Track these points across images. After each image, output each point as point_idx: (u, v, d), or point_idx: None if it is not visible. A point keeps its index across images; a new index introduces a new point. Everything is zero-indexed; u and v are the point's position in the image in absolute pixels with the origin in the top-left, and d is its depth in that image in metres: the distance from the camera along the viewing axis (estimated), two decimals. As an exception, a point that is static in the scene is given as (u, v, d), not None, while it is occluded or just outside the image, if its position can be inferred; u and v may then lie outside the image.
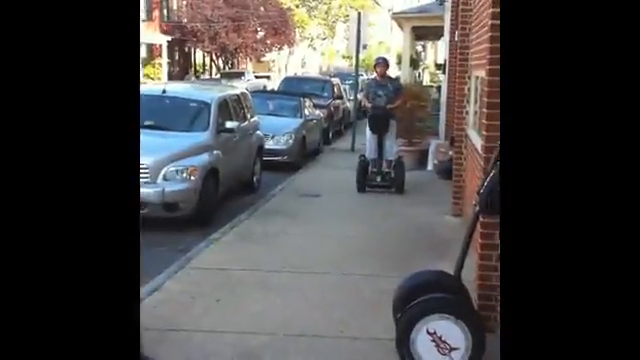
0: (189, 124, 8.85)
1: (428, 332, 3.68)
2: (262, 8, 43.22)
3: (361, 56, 16.32)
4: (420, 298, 3.81)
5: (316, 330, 4.61)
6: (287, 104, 14.68)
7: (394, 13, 24.34)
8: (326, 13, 54.16)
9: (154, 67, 36.82)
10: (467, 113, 7.73)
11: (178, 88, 11.27)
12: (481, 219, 4.28)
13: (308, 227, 7.71)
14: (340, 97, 20.39)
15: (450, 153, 9.95)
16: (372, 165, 10.13)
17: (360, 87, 17.37)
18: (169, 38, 39.26)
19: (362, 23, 15.26)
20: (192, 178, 7.73)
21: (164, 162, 7.61)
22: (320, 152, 15.18)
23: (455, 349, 3.67)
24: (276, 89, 21.48)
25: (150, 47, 37.99)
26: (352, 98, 18.60)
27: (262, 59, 49.81)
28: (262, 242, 6.98)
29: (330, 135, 17.46)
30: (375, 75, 10.67)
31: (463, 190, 7.98)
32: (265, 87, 30.56)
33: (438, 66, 23.39)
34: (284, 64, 55.70)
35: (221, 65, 45.49)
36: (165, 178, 7.58)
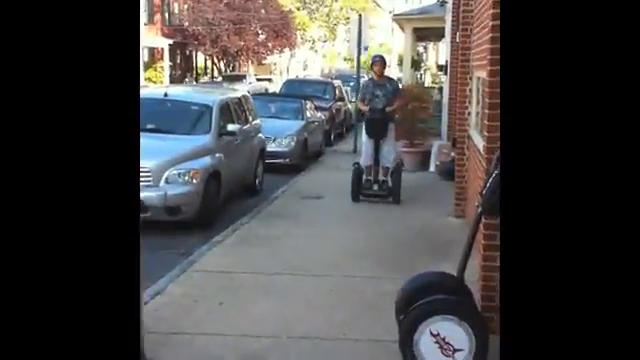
0: (191, 127, 8.86)
1: (431, 334, 3.67)
2: (263, 11, 43.29)
3: (362, 58, 16.32)
4: (423, 300, 3.79)
5: (318, 332, 4.60)
6: (289, 106, 14.69)
7: (395, 15, 24.33)
8: (327, 16, 54.22)
9: (156, 71, 36.88)
10: (469, 114, 7.72)
11: (180, 91, 11.28)
12: (484, 220, 4.28)
13: (310, 229, 7.70)
14: (342, 99, 20.39)
15: (452, 154, 9.94)
16: (367, 173, 9.47)
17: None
18: (171, 41, 39.33)
19: (363, 25, 15.27)
20: (194, 181, 7.73)
21: (166, 165, 7.62)
22: (322, 154, 15.18)
23: (459, 350, 3.66)
24: (278, 92, 21.49)
25: (152, 51, 38.06)
26: (353, 100, 18.58)
27: (263, 62, 49.88)
28: (264, 245, 6.97)
29: (332, 137, 17.47)
30: (372, 75, 10.02)
31: (465, 191, 7.98)
32: (267, 90, 30.58)
33: (440, 67, 23.37)
34: (286, 67, 55.77)
35: (223, 68, 45.56)
36: (167, 181, 7.58)
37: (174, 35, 41.08)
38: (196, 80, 40.78)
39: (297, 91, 18.36)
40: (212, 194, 8.15)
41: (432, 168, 12.11)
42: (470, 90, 7.62)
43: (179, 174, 7.67)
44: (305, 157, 13.41)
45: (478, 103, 6.56)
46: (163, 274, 5.77)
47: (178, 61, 43.99)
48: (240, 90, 13.67)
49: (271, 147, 11.97)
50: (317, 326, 4.72)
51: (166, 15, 43.04)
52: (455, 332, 3.65)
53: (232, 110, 9.75)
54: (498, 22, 4.41)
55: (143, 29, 28.20)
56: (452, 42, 11.26)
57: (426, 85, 23.78)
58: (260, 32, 43.80)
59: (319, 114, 15.97)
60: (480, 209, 3.85)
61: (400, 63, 26.52)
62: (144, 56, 35.54)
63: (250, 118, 10.59)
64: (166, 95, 9.33)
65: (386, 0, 45.07)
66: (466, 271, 3.97)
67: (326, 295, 5.40)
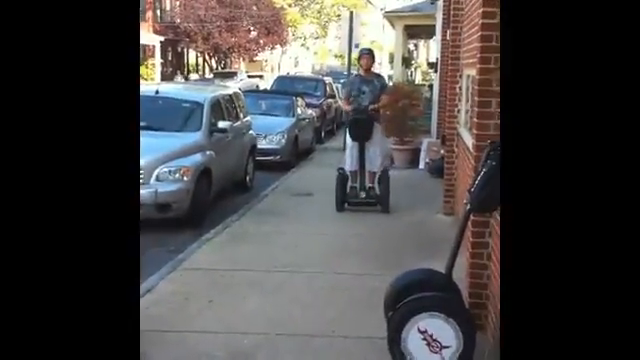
0: (182, 124, 8.85)
1: (419, 330, 3.69)
2: (255, 8, 43.20)
3: (353, 55, 16.33)
4: (411, 297, 3.82)
5: (308, 329, 4.62)
6: (280, 103, 14.69)
7: (386, 12, 24.34)
8: (319, 12, 54.16)
9: (147, 68, 36.74)
10: (458, 112, 7.75)
11: (171, 88, 11.26)
12: (472, 218, 4.30)
13: (300, 226, 7.72)
14: (332, 96, 20.40)
15: (442, 152, 9.97)
16: (353, 179, 8.69)
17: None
18: (162, 38, 39.20)
19: (354, 22, 15.30)
20: (185, 178, 7.73)
21: (157, 163, 7.61)
22: (313, 151, 15.19)
23: (446, 347, 3.69)
24: (269, 88, 21.48)
25: (143, 48, 37.89)
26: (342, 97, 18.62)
27: (255, 59, 49.79)
28: (255, 242, 6.98)
29: (322, 134, 17.48)
30: (359, 70, 9.35)
31: (455, 189, 8.01)
32: (258, 87, 30.52)
33: (430, 65, 23.42)
34: (277, 63, 55.71)
35: (214, 65, 45.46)
36: (158, 179, 7.57)
37: (166, 32, 40.95)
38: (186, 78, 40.61)
39: (288, 88, 18.36)
40: (203, 191, 8.15)
41: (422, 165, 12.15)
42: (460, 88, 7.65)
43: (170, 171, 7.67)
44: (296, 154, 13.43)
45: (468, 101, 6.59)
46: (153, 272, 5.77)
47: (169, 58, 43.85)
48: (231, 87, 13.66)
49: (262, 144, 11.98)
50: (306, 323, 4.74)
51: (158, 12, 42.89)
52: (443, 329, 3.67)
53: (223, 107, 9.75)
54: (488, 20, 4.44)
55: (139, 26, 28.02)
56: (443, 40, 11.29)
57: (417, 83, 23.82)
58: (252, 29, 43.73)
59: (310, 111, 15.98)
60: (469, 206, 3.87)
61: (391, 60, 26.54)
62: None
63: (241, 115, 10.59)
64: (157, 92, 9.31)
65: (377, -3, 45.16)
66: (454, 268, 3.99)
67: (316, 292, 5.42)
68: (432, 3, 16.58)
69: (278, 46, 47.93)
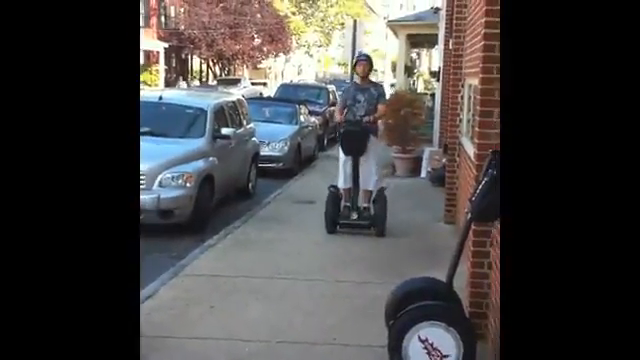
0: (185, 131, 8.88)
1: (420, 339, 3.70)
2: (259, 15, 43.33)
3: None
4: (412, 305, 3.82)
5: (309, 337, 4.63)
6: (283, 111, 14.73)
7: (389, 21, 24.43)
8: (322, 21, 54.26)
9: (151, 74, 36.82)
10: (460, 121, 7.77)
11: (174, 95, 11.30)
12: (473, 227, 4.31)
13: (302, 234, 7.73)
14: (335, 104, 20.40)
15: (443, 160, 9.98)
16: (346, 198, 7.84)
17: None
18: (166, 45, 39.31)
19: (358, 31, 15.36)
20: (188, 185, 7.75)
21: (160, 169, 7.63)
22: (315, 159, 15.21)
23: (446, 356, 3.69)
24: (272, 96, 21.51)
25: (147, 54, 38.01)
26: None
27: (259, 66, 49.90)
28: (256, 249, 6.99)
29: (325, 142, 17.50)
30: (355, 78, 8.52)
31: (456, 197, 8.02)
32: (261, 94, 30.58)
33: (432, 74, 23.44)
34: (280, 71, 55.80)
35: (218, 72, 45.55)
36: (161, 185, 7.60)
37: (170, 38, 41.07)
38: (187, 84, 40.57)
39: (291, 95, 18.39)
40: (205, 198, 8.17)
41: (423, 174, 12.16)
42: (462, 97, 7.67)
43: (172, 177, 7.69)
44: (298, 162, 13.45)
45: (469, 110, 6.61)
46: (155, 277, 5.78)
47: (174, 65, 43.95)
48: (235, 94, 13.69)
49: (265, 151, 11.99)
50: (308, 331, 4.75)
51: (162, 18, 43.03)
52: (443, 338, 3.68)
53: (226, 114, 9.78)
54: (491, 30, 4.46)
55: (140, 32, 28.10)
56: (445, 49, 11.31)
57: (419, 91, 23.85)
58: (256, 36, 43.84)
59: (313, 119, 16.02)
60: (470, 215, 3.88)
61: (394, 69, 26.61)
62: (140, 59, 35.47)
63: (244, 122, 10.62)
64: (161, 98, 9.35)
65: (381, 6, 45.19)
66: (455, 277, 4.00)
67: (317, 300, 5.42)
68: (435, 12, 16.64)
69: (282, 54, 48.03)
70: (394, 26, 22.43)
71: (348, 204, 7.78)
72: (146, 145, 7.49)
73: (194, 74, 46.55)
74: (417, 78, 28.34)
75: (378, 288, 5.31)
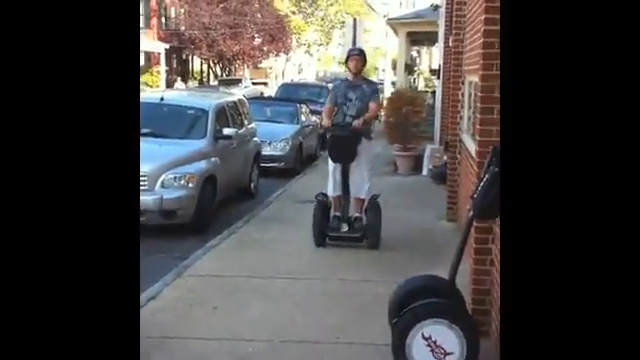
0: (187, 131, 8.90)
1: (423, 337, 3.70)
2: (259, 15, 43.31)
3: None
4: (415, 303, 3.83)
5: (312, 336, 4.64)
6: (284, 110, 14.74)
7: (389, 19, 24.39)
8: (322, 20, 54.21)
9: (152, 75, 36.84)
10: (461, 118, 7.77)
11: (176, 95, 11.32)
12: (475, 224, 4.31)
13: (304, 234, 7.70)
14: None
15: (444, 158, 9.99)
16: (335, 207, 7.10)
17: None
18: (167, 46, 39.32)
19: (357, 29, 15.38)
20: (190, 185, 7.77)
21: (162, 169, 7.65)
22: (317, 158, 15.21)
23: (450, 354, 3.69)
24: (273, 95, 21.51)
25: (148, 55, 38.03)
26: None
27: (259, 66, 49.91)
28: (259, 249, 7.00)
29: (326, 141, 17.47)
30: (347, 74, 7.58)
31: (458, 195, 8.02)
32: (262, 93, 30.59)
33: (433, 71, 23.42)
34: (281, 70, 55.77)
35: (219, 72, 45.57)
36: (163, 185, 7.62)
37: (170, 39, 41.06)
38: (185, 85, 40.41)
39: (292, 95, 18.40)
40: (207, 198, 8.18)
41: (425, 172, 12.17)
42: (462, 94, 7.67)
43: (175, 178, 7.71)
44: (300, 161, 13.46)
45: (470, 107, 6.61)
46: (158, 278, 5.79)
47: (174, 65, 43.95)
48: (236, 94, 13.71)
49: (266, 151, 12.00)
50: (311, 330, 4.76)
51: (162, 19, 43.04)
52: (446, 335, 3.68)
53: (228, 114, 9.79)
54: (490, 27, 4.46)
55: (140, 33, 28.13)
56: (445, 46, 11.31)
57: (419, 89, 23.84)
58: (256, 36, 43.84)
59: (314, 118, 16.01)
60: (472, 213, 3.88)
61: (394, 67, 26.61)
62: (140, 60, 35.46)
63: (246, 122, 10.63)
64: (162, 99, 9.36)
65: (381, 4, 45.11)
66: (457, 275, 4.00)
67: (320, 299, 5.43)
68: (435, 10, 16.61)
69: (282, 53, 48.02)
70: (394, 24, 22.42)
71: (338, 214, 7.06)
72: (148, 146, 7.58)
73: (195, 75, 46.54)
74: (417, 76, 28.33)
75: (381, 286, 5.32)
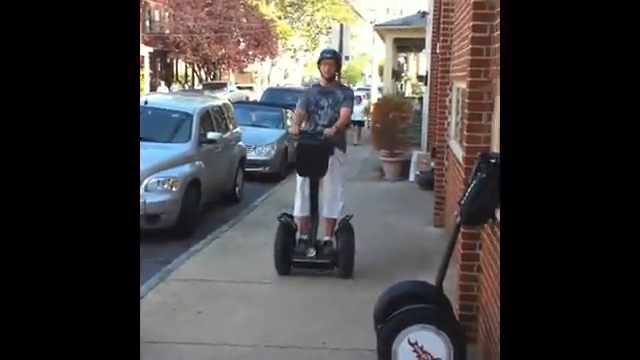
0: (171, 135, 8.84)
1: (410, 342, 3.69)
2: (244, 19, 43.32)
3: (343, 68, 16.39)
4: (401, 309, 3.81)
5: (297, 341, 4.60)
6: (269, 115, 14.73)
7: (376, 25, 24.49)
8: (308, 25, 54.37)
9: (136, 78, 36.73)
10: (448, 124, 7.79)
11: (160, 99, 11.25)
12: (462, 230, 4.31)
13: (290, 238, 7.69)
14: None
15: (432, 164, 10.00)
16: (302, 229, 6.24)
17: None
18: (151, 49, 39.19)
19: (344, 35, 15.39)
20: (174, 189, 7.72)
21: (145, 173, 7.57)
22: (302, 163, 15.18)
23: (436, 359, 3.68)
24: (258, 100, 21.49)
25: (140, 59, 37.91)
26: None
27: (244, 70, 49.90)
28: (244, 254, 6.95)
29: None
30: (319, 78, 6.80)
31: (445, 201, 8.03)
32: (247, 98, 30.57)
33: (420, 78, 23.54)
34: (267, 75, 55.82)
35: (204, 76, 45.49)
36: (146, 189, 7.55)
37: (155, 43, 40.93)
38: (169, 89, 40.15)
39: (278, 100, 18.40)
40: (192, 202, 8.13)
41: (412, 178, 12.19)
42: (450, 101, 7.69)
43: (158, 182, 7.65)
44: (285, 166, 13.42)
45: (457, 113, 6.62)
46: (142, 282, 5.72)
47: (159, 69, 43.81)
48: (221, 98, 13.67)
49: (251, 155, 11.98)
50: (296, 335, 4.72)
51: (147, 23, 42.90)
52: (433, 341, 3.67)
53: (212, 118, 9.75)
54: (478, 34, 4.48)
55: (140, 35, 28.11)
56: (432, 53, 11.36)
57: (406, 95, 23.93)
58: (241, 40, 43.83)
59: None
60: (459, 219, 3.88)
61: (381, 73, 26.72)
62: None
63: (230, 126, 10.60)
64: (146, 103, 9.29)
65: (368, 10, 45.31)
66: (445, 280, 3.99)
67: (305, 304, 5.39)
68: (422, 17, 16.70)
69: (268, 58, 48.07)
70: (381, 30, 22.48)
71: (305, 237, 6.16)
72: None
73: (179, 78, 46.40)
74: (405, 82, 28.47)
75: (367, 292, 5.29)
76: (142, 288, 5.59)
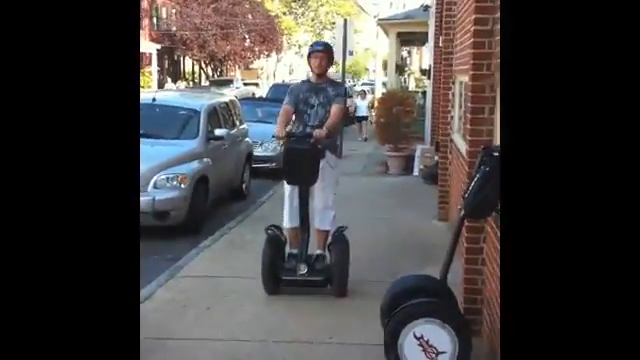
0: (179, 132, 8.89)
1: (415, 336, 3.71)
2: (250, 16, 43.31)
3: (347, 62, 16.37)
4: (407, 303, 3.84)
5: (305, 336, 4.65)
6: (276, 111, 14.51)
7: (380, 19, 24.44)
8: (313, 20, 54.26)
9: (144, 75, 36.75)
10: (452, 118, 7.80)
11: (168, 96, 11.31)
12: (466, 223, 4.34)
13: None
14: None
15: (435, 158, 10.02)
16: (291, 242, 5.69)
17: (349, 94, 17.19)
18: (158, 46, 39.21)
19: (348, 30, 15.33)
20: (182, 186, 7.77)
21: (154, 170, 7.64)
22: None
23: (442, 353, 3.70)
24: (264, 96, 21.48)
25: (140, 56, 37.92)
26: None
27: (250, 66, 49.89)
28: (252, 249, 6.96)
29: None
30: (309, 74, 6.23)
31: (449, 195, 8.05)
32: (254, 94, 30.56)
33: (423, 72, 23.51)
34: (272, 71, 55.77)
35: (210, 73, 45.50)
36: (155, 186, 7.61)
37: (162, 40, 40.98)
38: (175, 84, 40.07)
39: (283, 95, 18.12)
40: (200, 199, 8.18)
41: (416, 172, 12.21)
42: (453, 94, 7.70)
43: (167, 179, 7.71)
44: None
45: (461, 107, 6.64)
46: (151, 279, 5.80)
47: (166, 66, 43.84)
48: (227, 95, 13.70)
49: (258, 152, 12.01)
50: (304, 330, 4.77)
51: (154, 20, 42.93)
52: (438, 335, 3.69)
53: (219, 115, 9.79)
54: (480, 27, 4.49)
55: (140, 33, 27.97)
56: (435, 47, 11.35)
57: (410, 89, 23.90)
58: (247, 37, 43.81)
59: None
60: (463, 212, 3.90)
61: (385, 67, 26.69)
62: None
63: (237, 123, 10.64)
64: (154, 100, 9.35)
65: (371, 5, 45.18)
66: (449, 274, 4.03)
67: (312, 299, 5.44)
68: (425, 10, 16.68)
69: (273, 54, 48.01)
70: (384, 25, 22.46)
71: (294, 251, 5.57)
72: (140, 147, 7.54)
73: (187, 75, 46.42)
74: (408, 76, 28.42)
75: (373, 286, 5.33)
76: (151, 285, 5.67)
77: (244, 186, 10.51)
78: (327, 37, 51.74)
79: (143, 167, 7.35)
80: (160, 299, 5.37)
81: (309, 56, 5.74)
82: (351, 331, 4.73)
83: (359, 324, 4.79)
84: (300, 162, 5.35)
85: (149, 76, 37.27)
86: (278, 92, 19.90)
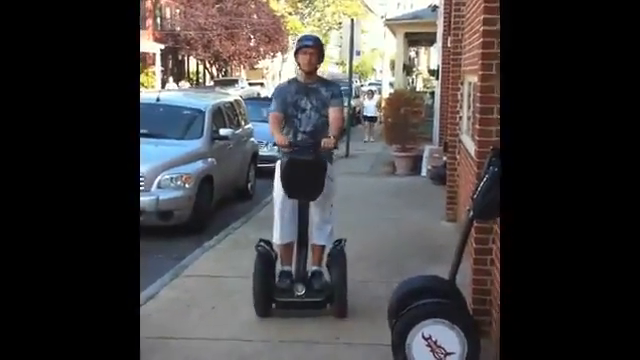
0: (183, 132, 8.88)
1: (423, 337, 3.69)
2: (255, 16, 43.33)
3: (354, 62, 16.35)
4: (415, 303, 3.81)
5: (311, 336, 4.61)
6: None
7: (387, 19, 24.44)
8: (319, 20, 54.31)
9: (147, 75, 36.81)
10: (460, 118, 7.75)
11: (172, 96, 11.30)
12: (475, 224, 4.30)
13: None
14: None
15: (444, 158, 9.97)
16: (284, 259, 5.13)
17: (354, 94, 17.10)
18: (162, 46, 39.26)
19: (355, 30, 15.31)
20: (187, 186, 7.74)
21: (158, 170, 7.62)
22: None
23: (450, 354, 3.68)
24: (270, 96, 21.46)
25: (144, 56, 37.94)
26: (346, 105, 18.59)
27: (256, 66, 49.90)
28: (257, 249, 6.96)
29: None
30: (297, 72, 5.59)
31: (457, 195, 8.01)
32: (259, 94, 30.57)
33: (431, 72, 23.48)
34: (278, 71, 55.82)
35: (215, 73, 45.56)
36: (159, 186, 7.59)
37: (166, 40, 41.02)
38: (178, 85, 40.07)
39: (289, 95, 18.33)
40: (204, 199, 8.16)
41: (424, 172, 12.17)
42: (461, 95, 7.65)
43: (171, 179, 7.69)
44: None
45: (469, 108, 6.60)
46: (156, 279, 5.77)
47: (170, 66, 43.92)
48: (232, 94, 13.69)
49: (263, 152, 11.99)
50: (309, 330, 4.73)
51: (158, 20, 43.00)
52: (447, 335, 3.67)
53: (224, 114, 9.77)
54: (489, 27, 4.45)
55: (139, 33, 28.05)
56: (443, 47, 11.30)
57: (418, 89, 23.88)
58: (252, 37, 43.84)
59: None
60: (471, 213, 3.87)
61: (392, 67, 26.69)
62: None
63: (242, 122, 10.62)
64: (158, 100, 9.33)
65: (378, 5, 45.26)
66: (458, 275, 3.98)
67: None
68: (433, 10, 16.64)
69: (279, 54, 48.05)
70: (392, 25, 22.44)
71: (287, 268, 5.08)
72: (144, 147, 7.40)
73: (191, 75, 46.48)
74: (416, 76, 28.42)
75: (381, 287, 5.29)
76: (156, 284, 5.64)
77: (249, 186, 10.48)
78: (334, 37, 51.85)
79: (147, 167, 7.38)
80: (164, 298, 5.34)
81: (297, 52, 5.02)
82: (357, 332, 4.68)
83: (366, 325, 4.74)
84: (304, 175, 4.81)
85: (153, 76, 37.34)
86: (284, 92, 19.94)
